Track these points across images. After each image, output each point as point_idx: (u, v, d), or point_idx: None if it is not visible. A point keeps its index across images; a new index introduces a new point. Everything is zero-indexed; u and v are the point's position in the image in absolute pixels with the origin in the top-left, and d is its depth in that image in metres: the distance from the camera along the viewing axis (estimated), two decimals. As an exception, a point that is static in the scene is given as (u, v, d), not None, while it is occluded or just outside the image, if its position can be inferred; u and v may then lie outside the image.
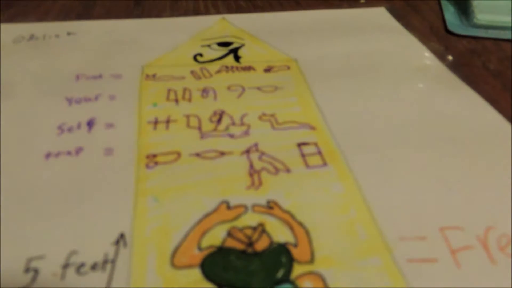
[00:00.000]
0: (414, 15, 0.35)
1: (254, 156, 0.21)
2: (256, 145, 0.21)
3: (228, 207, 0.18)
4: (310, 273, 0.16)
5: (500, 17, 0.33)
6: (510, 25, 0.33)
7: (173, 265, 0.16)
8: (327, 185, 0.19)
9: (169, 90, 0.25)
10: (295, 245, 0.17)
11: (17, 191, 0.18)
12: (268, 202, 0.18)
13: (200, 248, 0.16)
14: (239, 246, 0.16)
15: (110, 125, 0.22)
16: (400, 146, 0.22)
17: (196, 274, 0.15)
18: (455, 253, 0.16)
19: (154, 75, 0.26)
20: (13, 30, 0.31)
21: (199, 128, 0.22)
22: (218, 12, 0.35)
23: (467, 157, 0.21)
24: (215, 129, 0.22)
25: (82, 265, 0.16)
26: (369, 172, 0.20)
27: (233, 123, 0.23)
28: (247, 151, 0.21)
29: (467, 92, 0.26)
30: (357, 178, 0.20)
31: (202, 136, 0.22)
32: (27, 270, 0.15)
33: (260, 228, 0.17)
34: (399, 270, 0.16)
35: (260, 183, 0.19)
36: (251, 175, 0.20)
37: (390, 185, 0.19)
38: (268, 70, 0.27)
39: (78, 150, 0.21)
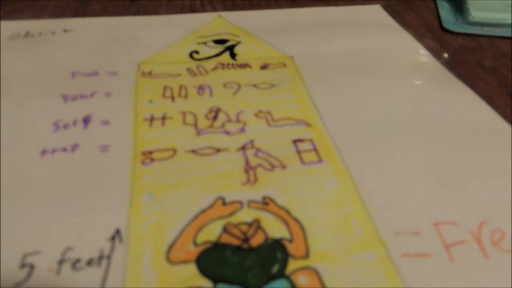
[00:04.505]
0: (409, 13, 0.36)
1: (250, 152, 0.21)
2: (252, 141, 0.21)
3: (224, 203, 0.18)
4: (305, 268, 0.16)
5: (495, 14, 0.33)
6: (504, 22, 0.33)
7: (169, 260, 0.16)
8: (323, 181, 0.19)
9: (165, 87, 0.25)
10: (290, 241, 0.17)
11: (12, 187, 0.18)
12: (264, 198, 0.18)
13: (195, 244, 0.16)
14: (235, 241, 0.17)
15: (106, 122, 0.22)
16: (395, 143, 0.22)
17: (191, 269, 0.16)
18: (449, 248, 0.17)
19: (150, 72, 0.26)
20: (8, 27, 0.30)
21: (195, 125, 0.22)
22: (214, 9, 0.35)
23: (461, 153, 0.21)
24: (211, 126, 0.22)
25: (77, 260, 0.16)
26: (364, 168, 0.20)
27: (229, 120, 0.23)
28: (243, 148, 0.21)
29: (462, 89, 0.26)
30: (353, 174, 0.20)
31: (198, 133, 0.22)
32: (22, 265, 0.15)
33: (256, 224, 0.17)
34: (394, 265, 0.16)
35: (256, 179, 0.19)
36: (246, 171, 0.20)
37: (385, 181, 0.19)
38: (264, 67, 0.27)
39: (74, 147, 0.21)
